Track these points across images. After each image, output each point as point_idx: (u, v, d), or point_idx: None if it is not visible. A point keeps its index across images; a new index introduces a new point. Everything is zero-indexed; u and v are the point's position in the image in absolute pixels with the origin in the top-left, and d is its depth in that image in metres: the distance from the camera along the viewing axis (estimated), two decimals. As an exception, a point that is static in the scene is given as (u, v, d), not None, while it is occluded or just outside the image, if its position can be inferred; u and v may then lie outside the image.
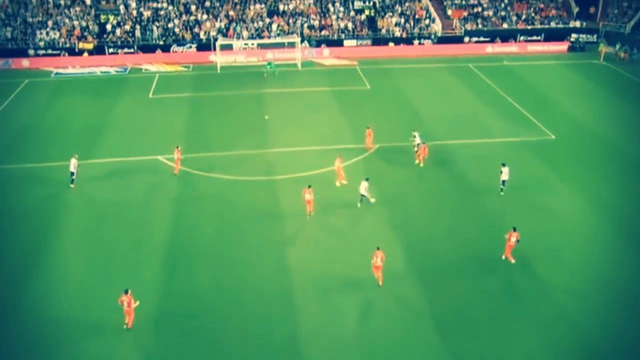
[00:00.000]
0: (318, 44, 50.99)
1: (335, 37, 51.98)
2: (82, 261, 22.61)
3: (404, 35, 52.57)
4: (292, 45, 48.33)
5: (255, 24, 52.09)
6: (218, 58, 47.18)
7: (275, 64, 45.94)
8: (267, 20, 52.59)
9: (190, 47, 50.12)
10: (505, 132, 34.25)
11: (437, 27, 53.80)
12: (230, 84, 43.22)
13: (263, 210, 25.94)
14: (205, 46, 50.15)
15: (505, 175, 26.81)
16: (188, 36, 50.85)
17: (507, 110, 38.21)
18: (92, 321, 19.55)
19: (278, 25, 52.05)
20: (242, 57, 49.16)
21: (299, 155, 30.95)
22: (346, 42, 51.48)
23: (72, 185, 27.85)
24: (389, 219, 25.32)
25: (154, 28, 50.89)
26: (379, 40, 52.04)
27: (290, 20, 52.68)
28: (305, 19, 52.94)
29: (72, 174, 27.76)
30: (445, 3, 56.67)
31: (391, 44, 51.90)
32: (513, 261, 22.25)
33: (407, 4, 55.56)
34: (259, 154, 31.35)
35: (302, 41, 49.60)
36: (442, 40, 52.91)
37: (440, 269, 22.09)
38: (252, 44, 49.27)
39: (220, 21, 52.09)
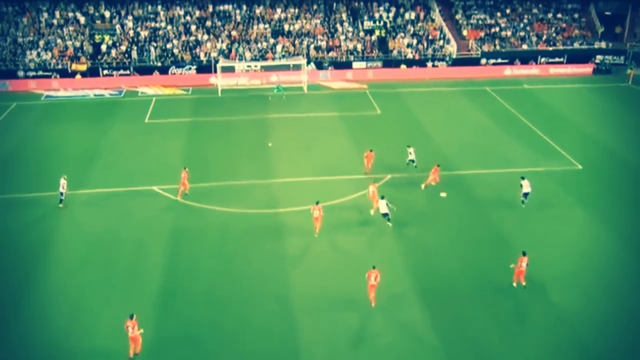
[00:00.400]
0: (325, 65, 51.33)
1: (344, 59, 52.43)
2: (69, 303, 22.26)
3: (417, 57, 52.85)
4: (297, 67, 48.70)
5: (259, 45, 52.49)
6: (219, 81, 47.45)
7: (283, 87, 46.31)
8: (272, 41, 52.98)
9: (190, 69, 50.45)
10: (527, 162, 33.90)
11: (452, 48, 54.01)
12: (232, 109, 43.33)
13: (265, 246, 25.62)
14: (206, 68, 50.44)
15: (526, 188, 28.14)
16: (187, 57, 51.23)
17: (528, 137, 38.00)
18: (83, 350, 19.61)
19: (283, 47, 52.38)
20: (244, 80, 49.54)
21: (305, 186, 30.67)
22: (355, 64, 51.89)
23: (60, 205, 28.55)
24: (399, 242, 25.75)
25: (152, 49, 51.30)
26: (390, 62, 52.37)
27: (296, 41, 53.06)
28: (311, 40, 53.34)
29: (62, 194, 28.43)
30: (460, 23, 57.06)
31: (403, 67, 52.17)
32: (524, 283, 22.57)
33: (419, 24, 56.01)
34: (262, 185, 31.18)
35: (308, 63, 49.87)
36: (457, 62, 53.05)
37: (447, 293, 22.50)
38: (256, 66, 49.56)
39: (222, 42, 52.52)
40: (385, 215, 26.56)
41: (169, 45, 51.92)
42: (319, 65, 51.27)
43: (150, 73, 49.76)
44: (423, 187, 30.16)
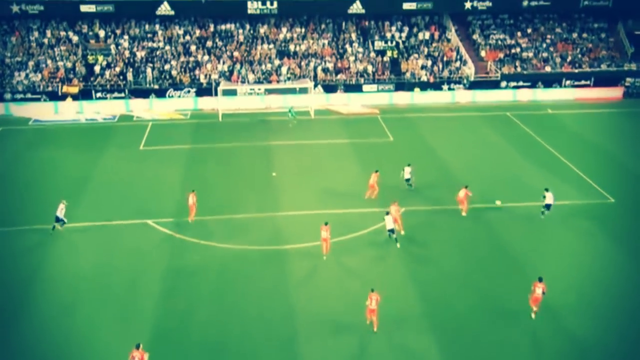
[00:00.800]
0: (339, 86, 51.22)
1: (354, 81, 52.35)
2: (54, 347, 21.75)
3: (432, 80, 52.71)
4: (304, 90, 48.65)
5: (263, 67, 52.48)
6: (220, 104, 47.38)
7: (295, 111, 46.16)
8: (277, 62, 52.99)
9: (189, 91, 50.44)
10: (553, 195, 33.34)
11: (469, 70, 53.93)
12: (234, 135, 43.26)
13: (269, 287, 25.19)
14: (206, 91, 50.40)
15: (549, 200, 30.12)
16: (186, 80, 51.20)
17: (554, 167, 37.62)
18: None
19: (288, 68, 52.38)
20: (247, 104, 49.42)
21: (312, 220, 30.01)
22: (366, 87, 51.76)
23: (60, 228, 29.19)
24: (411, 267, 26.57)
25: (148, 70, 51.33)
26: (403, 86, 52.22)
27: (303, 63, 53.05)
28: (319, 61, 53.33)
29: (57, 218, 28.93)
30: (478, 43, 57.02)
31: (417, 90, 52.07)
32: (535, 309, 23.17)
33: (434, 45, 56.01)
34: (266, 218, 30.87)
35: (315, 86, 49.92)
36: (475, 85, 52.96)
37: (458, 318, 23.17)
38: (259, 89, 49.50)
39: (223, 63, 52.57)
40: (391, 231, 27.74)
41: (166, 67, 51.93)
42: (327, 89, 51.29)
43: (146, 96, 49.78)
44: (464, 214, 31.14)
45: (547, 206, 30.11)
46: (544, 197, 30.36)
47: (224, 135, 43.01)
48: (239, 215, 31.20)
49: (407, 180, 33.14)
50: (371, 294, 22.29)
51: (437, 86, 52.34)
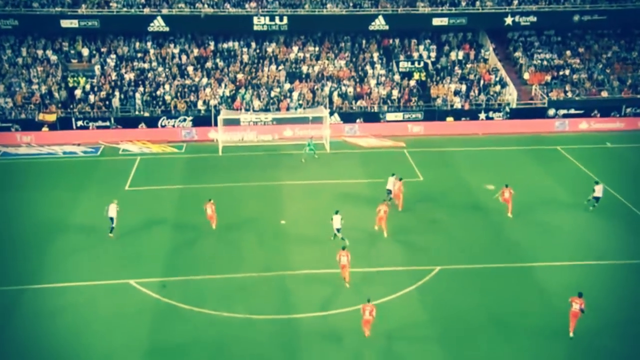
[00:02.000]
0: (352, 117, 51.13)
1: (375, 108, 51.86)
2: None
3: (467, 107, 52.04)
4: (318, 119, 48.04)
5: (271, 91, 51.96)
6: (220, 136, 47.12)
7: (306, 143, 45.38)
8: (287, 86, 52.51)
9: (185, 120, 50.04)
10: (621, 252, 32.05)
11: (510, 95, 53.03)
12: (235, 172, 42.67)
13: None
14: (204, 120, 49.85)
15: (598, 192, 34.55)
16: (182, 106, 50.69)
17: (619, 215, 36.02)
18: None
19: (300, 94, 51.81)
20: (252, 135, 49.14)
21: (328, 281, 29.37)
22: (389, 116, 51.35)
23: (110, 235, 32.81)
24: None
25: (138, 95, 50.90)
26: (434, 114, 51.65)
27: (316, 87, 52.46)
28: (335, 86, 52.73)
29: (112, 219, 32.68)
30: (520, 63, 56.09)
31: (450, 119, 51.61)
32: (573, 325, 25.12)
33: (469, 66, 55.30)
34: (272, 279, 29.90)
35: (331, 114, 49.46)
36: (517, 113, 51.87)
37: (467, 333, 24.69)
38: (266, 118, 49.17)
39: (225, 87, 52.13)
40: (338, 230, 31.75)
41: (159, 91, 51.46)
42: (345, 117, 50.90)
43: (135, 125, 49.30)
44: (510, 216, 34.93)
45: (596, 199, 34.16)
46: (594, 190, 34.55)
47: (224, 173, 42.51)
48: (240, 274, 30.31)
49: (389, 192, 36.38)
50: (366, 305, 24.43)
51: (473, 114, 51.69)
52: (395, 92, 52.60)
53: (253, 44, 55.72)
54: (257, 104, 51.04)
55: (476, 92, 53.10)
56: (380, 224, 33.51)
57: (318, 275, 30.15)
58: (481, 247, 32.75)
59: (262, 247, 32.80)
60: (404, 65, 54.85)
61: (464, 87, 53.21)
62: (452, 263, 31.28)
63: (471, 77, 54.25)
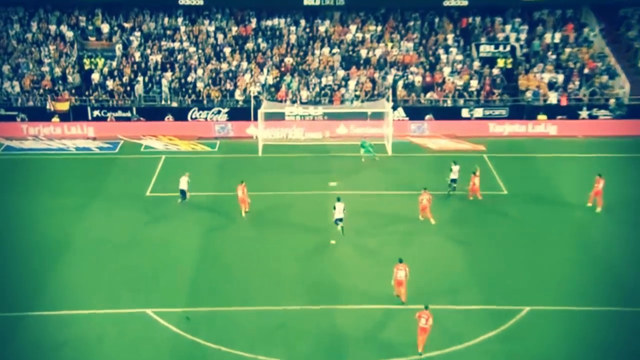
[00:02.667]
0: (420, 113, 50.70)
1: (449, 102, 51.18)
2: None
3: (564, 103, 51.23)
4: (378, 115, 47.80)
5: (323, 80, 51.70)
6: (261, 133, 47.27)
7: (359, 144, 45.36)
8: (341, 73, 52.32)
9: (219, 112, 50.32)
10: None
11: (622, 88, 51.94)
12: (278, 177, 42.62)
13: None
14: (242, 112, 50.03)
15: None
16: (216, 96, 50.88)
17: None
18: None
19: (357, 83, 51.50)
20: (298, 133, 49.48)
21: (388, 319, 28.80)
22: (466, 112, 51.11)
23: (178, 201, 37.22)
24: None
25: (165, 81, 51.09)
26: (521, 110, 51.18)
27: (377, 75, 52.05)
28: (400, 74, 52.25)
29: (182, 192, 37.21)
30: (636, 46, 54.73)
31: (542, 117, 50.98)
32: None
33: (568, 50, 54.23)
34: (318, 313, 29.35)
35: (394, 109, 48.93)
36: (631, 111, 50.71)
37: None
38: (316, 112, 49.08)
39: (268, 73, 52.19)
40: (339, 220, 33.90)
41: (190, 77, 51.69)
42: (411, 112, 50.58)
43: (161, 117, 50.05)
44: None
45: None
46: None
47: (263, 178, 42.27)
48: (280, 306, 29.78)
49: (454, 181, 38.88)
50: (422, 312, 25.65)
51: (572, 112, 51.07)
52: (473, 83, 52.01)
53: (302, 22, 55.65)
54: (305, 94, 50.96)
55: (576, 83, 52.16)
56: (424, 214, 36.11)
57: (376, 311, 29.49)
58: (583, 283, 31.60)
59: (307, 273, 32.39)
60: (486, 49, 54.53)
61: (560, 78, 52.53)
62: (545, 303, 30.24)
63: (570, 64, 53.50)
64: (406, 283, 29.03)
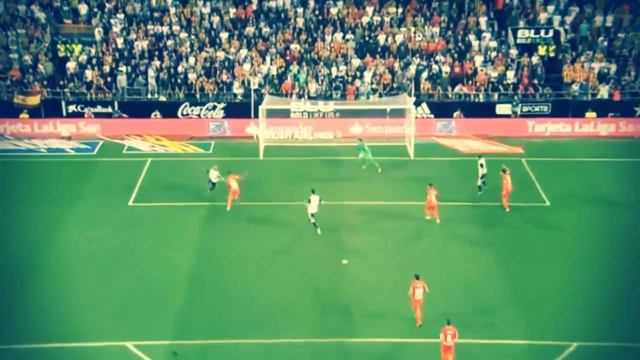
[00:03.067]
0: (447, 109, 50.43)
1: (481, 97, 51.08)
2: None
3: (618, 97, 51.14)
4: (399, 112, 47.67)
5: (334, 70, 51.61)
6: (262, 132, 47.25)
7: (368, 146, 44.62)
8: (356, 63, 52.26)
9: (214, 108, 50.32)
10: None
11: None
12: (281, 185, 42.59)
13: None
14: (241, 108, 50.02)
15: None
16: (211, 88, 50.89)
17: None
18: None
19: (374, 74, 51.35)
20: (305, 132, 49.51)
21: (412, 355, 28.51)
22: (501, 108, 50.98)
23: (208, 192, 40.06)
24: None
25: (151, 72, 51.01)
26: (566, 107, 51.28)
27: (397, 65, 51.97)
28: (424, 64, 52.21)
29: (212, 183, 40.10)
30: None
31: (591, 114, 50.96)
32: None
33: (622, 36, 54.19)
34: (328, 347, 29.06)
35: (417, 105, 48.92)
36: None
37: None
38: (326, 108, 49.02)
39: (271, 62, 52.17)
40: (313, 215, 35.63)
41: (181, 67, 51.65)
42: (437, 109, 50.60)
43: (146, 114, 50.12)
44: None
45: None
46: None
47: (265, 185, 42.29)
48: (282, 339, 29.51)
49: (483, 177, 40.00)
50: (446, 328, 26.11)
51: (626, 108, 50.92)
52: (510, 74, 51.83)
53: (311, 3, 55.77)
54: (314, 87, 50.89)
55: (632, 74, 52.01)
56: (431, 213, 37.67)
57: (396, 345, 29.24)
58: None
59: (314, 300, 32.17)
60: (525, 34, 54.60)
61: (613, 68, 52.42)
62: (596, 339, 29.76)
63: (625, 52, 53.32)
64: (422, 303, 29.24)
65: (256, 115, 47.42)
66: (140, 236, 36.94)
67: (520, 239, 37.01)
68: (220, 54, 52.36)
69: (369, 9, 55.22)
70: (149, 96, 50.47)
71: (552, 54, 53.65)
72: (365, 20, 54.71)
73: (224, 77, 51.12)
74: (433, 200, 37.37)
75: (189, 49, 52.64)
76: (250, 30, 53.97)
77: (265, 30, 54.02)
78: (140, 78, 50.95)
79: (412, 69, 51.65)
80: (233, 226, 38.19)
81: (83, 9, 54.48)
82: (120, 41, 52.89)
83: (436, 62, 52.25)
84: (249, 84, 50.40)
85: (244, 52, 52.47)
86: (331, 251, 35.71)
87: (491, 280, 33.46)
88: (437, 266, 34.39)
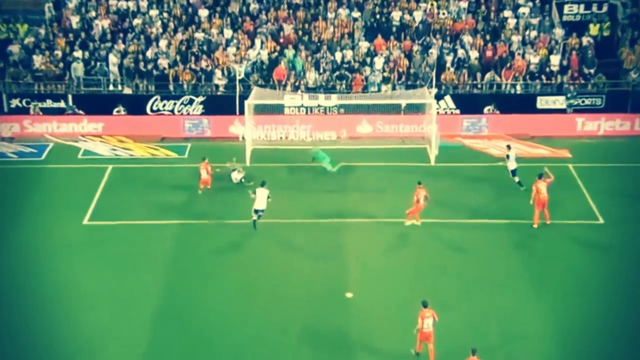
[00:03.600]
0: (476, 103, 50.80)
1: (518, 88, 51.24)
2: None
3: None
4: (416, 108, 48.18)
5: (337, 56, 51.82)
6: (249, 132, 47.31)
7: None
8: (364, 46, 52.34)
9: (191, 102, 50.26)
10: None
11: None
12: (274, 198, 40.77)
13: None
14: (224, 103, 50.18)
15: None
16: (187, 78, 50.97)
17: None
18: None
19: (387, 60, 51.34)
20: (303, 132, 49.78)
21: None
22: (543, 101, 51.19)
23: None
24: None
25: (113, 58, 51.03)
26: (624, 99, 51.40)
27: (415, 49, 52.26)
28: (449, 47, 52.26)
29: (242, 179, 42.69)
30: None
31: None
32: None
33: None
34: None
35: (440, 98, 49.15)
36: None
37: None
38: (328, 102, 48.79)
39: (262, 45, 52.23)
40: (259, 211, 37.75)
41: (150, 52, 51.64)
42: (463, 102, 50.79)
43: (107, 110, 50.05)
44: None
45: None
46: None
47: (251, 199, 41.30)
48: None
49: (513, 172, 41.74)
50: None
51: None
52: (554, 59, 51.79)
53: None
54: (313, 77, 50.88)
55: None
56: (414, 216, 38.65)
57: None
58: None
59: (313, 345, 31.85)
60: (573, 9, 55.26)
61: None
62: None
63: None
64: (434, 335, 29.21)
65: (242, 112, 47.35)
66: (94, 263, 36.58)
67: (564, 263, 36.87)
68: (199, 36, 52.40)
69: (380, -21, 55.37)
70: (111, 88, 50.57)
71: (606, 34, 53.85)
72: (375, -8, 54.86)
73: (203, 64, 51.00)
74: (422, 203, 37.82)
75: (160, 30, 52.64)
76: (235, 6, 53.99)
77: (254, 6, 54.10)
78: (100, 66, 50.78)
79: (434, 53, 51.56)
80: (212, 250, 37.91)
81: (30, -21, 54.87)
82: (75, 20, 52.88)
83: (463, 46, 52.28)
84: (234, 73, 50.16)
85: (227, 33, 52.53)
86: (332, 280, 35.61)
87: (526, 311, 33.47)
88: (462, 296, 34.30)
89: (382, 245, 38.33)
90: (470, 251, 37.82)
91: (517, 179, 41.67)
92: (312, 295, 34.69)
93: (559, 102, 50.47)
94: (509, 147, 42.74)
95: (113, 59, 50.71)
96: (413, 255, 37.63)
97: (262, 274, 36.18)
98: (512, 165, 41.72)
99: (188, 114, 49.88)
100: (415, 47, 51.97)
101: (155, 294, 34.60)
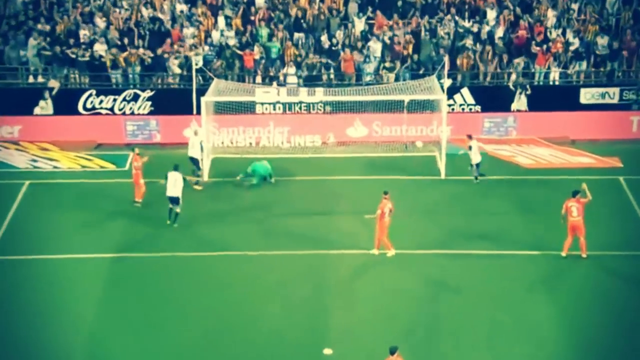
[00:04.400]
0: (502, 97, 51.78)
1: (556, 78, 53.55)
2: None
3: None
4: (424, 105, 48.80)
5: (323, 38, 52.29)
6: (208, 137, 47.70)
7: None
8: (359, 25, 52.89)
9: (136, 99, 50.78)
10: None
11: None
12: (235, 223, 43.16)
13: None
14: (178, 99, 50.79)
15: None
16: (132, 68, 51.04)
17: None
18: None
19: (385, 46, 51.65)
20: (279, 136, 51.07)
21: None
22: (585, 96, 52.14)
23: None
24: None
25: (33, 41, 51.32)
26: None
27: (423, 28, 52.61)
28: (466, 24, 52.95)
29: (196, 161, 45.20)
30: None
31: None
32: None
33: None
34: None
35: (454, 91, 51.33)
36: None
37: None
38: (312, 98, 49.84)
39: (227, 24, 52.75)
40: (174, 201, 40.42)
41: (83, 33, 51.85)
42: (484, 98, 51.96)
43: (27, 109, 50.58)
44: None
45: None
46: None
47: (209, 226, 42.78)
48: None
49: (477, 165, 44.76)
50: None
51: None
52: (601, 41, 52.64)
53: None
54: (291, 68, 50.77)
55: None
56: (384, 239, 38.84)
57: None
58: None
59: None
60: None
61: None
62: None
63: None
64: None
65: (199, 112, 47.61)
66: (7, 308, 36.22)
67: (610, 304, 36.52)
68: (146, 12, 52.71)
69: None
70: (31, 80, 51.02)
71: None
72: (372, -34, 55.35)
73: (154, 52, 51.14)
74: (387, 218, 38.02)
75: (96, 5, 52.93)
76: (191, -29, 54.42)
77: (215, -28, 54.40)
78: (18, 52, 51.12)
79: (447, 40, 52.19)
80: (157, 291, 37.71)
81: None
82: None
83: (485, 23, 52.27)
84: (190, 60, 50.30)
85: (182, 8, 53.00)
86: (307, 333, 35.17)
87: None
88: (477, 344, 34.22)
89: (376, 285, 38.27)
90: (481, 292, 37.42)
91: (475, 173, 44.48)
92: (282, 349, 34.11)
93: (609, 95, 50.55)
94: (470, 137, 44.91)
95: (33, 42, 50.80)
96: (413, 297, 37.18)
97: (229, 323, 35.63)
98: (476, 158, 44.22)
99: (132, 113, 50.15)
100: (423, 26, 52.35)
101: (80, 347, 33.89)
